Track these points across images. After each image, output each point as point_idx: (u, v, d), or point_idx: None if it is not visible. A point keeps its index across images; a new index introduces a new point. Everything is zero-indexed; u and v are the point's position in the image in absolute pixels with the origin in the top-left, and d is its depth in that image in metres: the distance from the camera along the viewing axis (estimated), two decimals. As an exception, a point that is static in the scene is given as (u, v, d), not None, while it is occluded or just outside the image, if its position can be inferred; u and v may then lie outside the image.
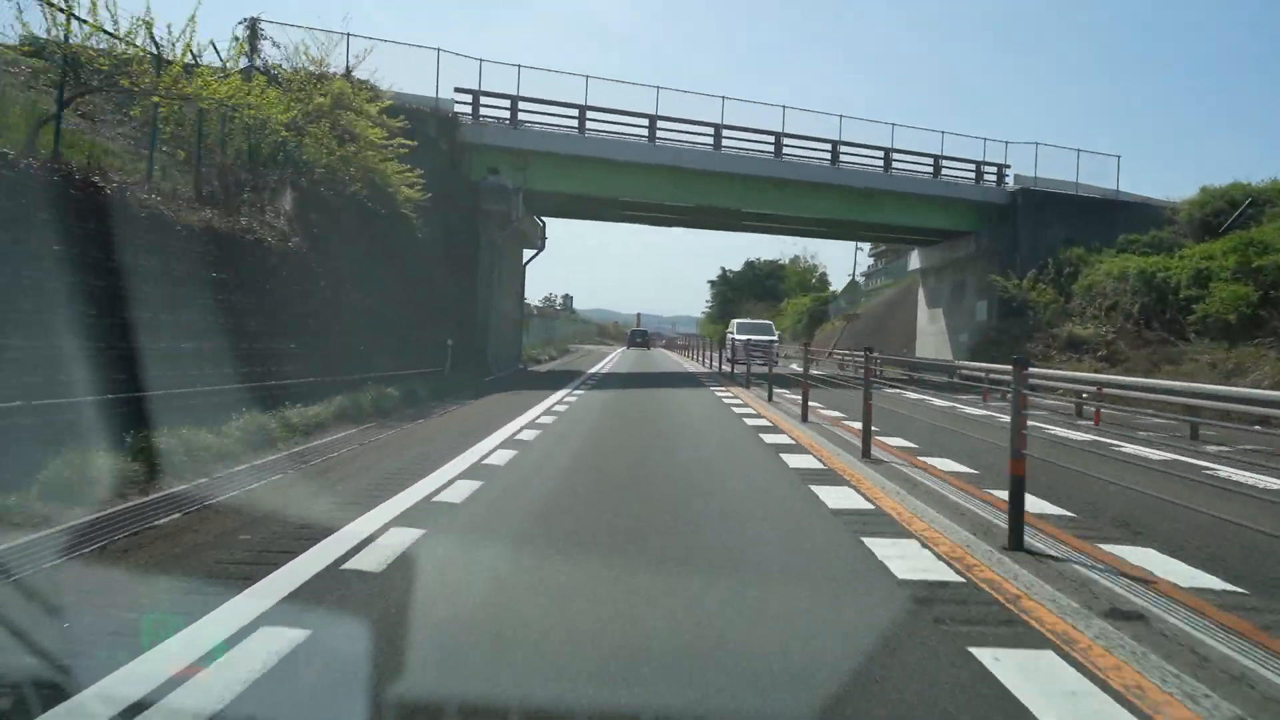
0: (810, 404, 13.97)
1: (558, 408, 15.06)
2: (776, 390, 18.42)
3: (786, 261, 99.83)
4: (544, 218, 29.00)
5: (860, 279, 73.32)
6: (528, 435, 10.70)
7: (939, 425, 13.08)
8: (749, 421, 13.55)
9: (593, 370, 28.76)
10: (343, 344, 14.22)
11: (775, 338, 35.47)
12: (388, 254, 17.08)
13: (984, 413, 16.25)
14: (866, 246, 72.26)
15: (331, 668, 3.31)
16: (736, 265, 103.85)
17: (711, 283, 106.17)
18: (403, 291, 17.74)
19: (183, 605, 3.86)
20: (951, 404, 18.29)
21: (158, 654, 3.28)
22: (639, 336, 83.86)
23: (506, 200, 23.07)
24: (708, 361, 36.74)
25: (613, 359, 41.96)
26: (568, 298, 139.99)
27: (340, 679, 3.21)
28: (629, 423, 13.85)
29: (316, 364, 12.81)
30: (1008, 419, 5.70)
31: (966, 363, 25.82)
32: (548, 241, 29.68)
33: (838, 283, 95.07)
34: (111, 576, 4.46)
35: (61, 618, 3.72)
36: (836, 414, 14.50)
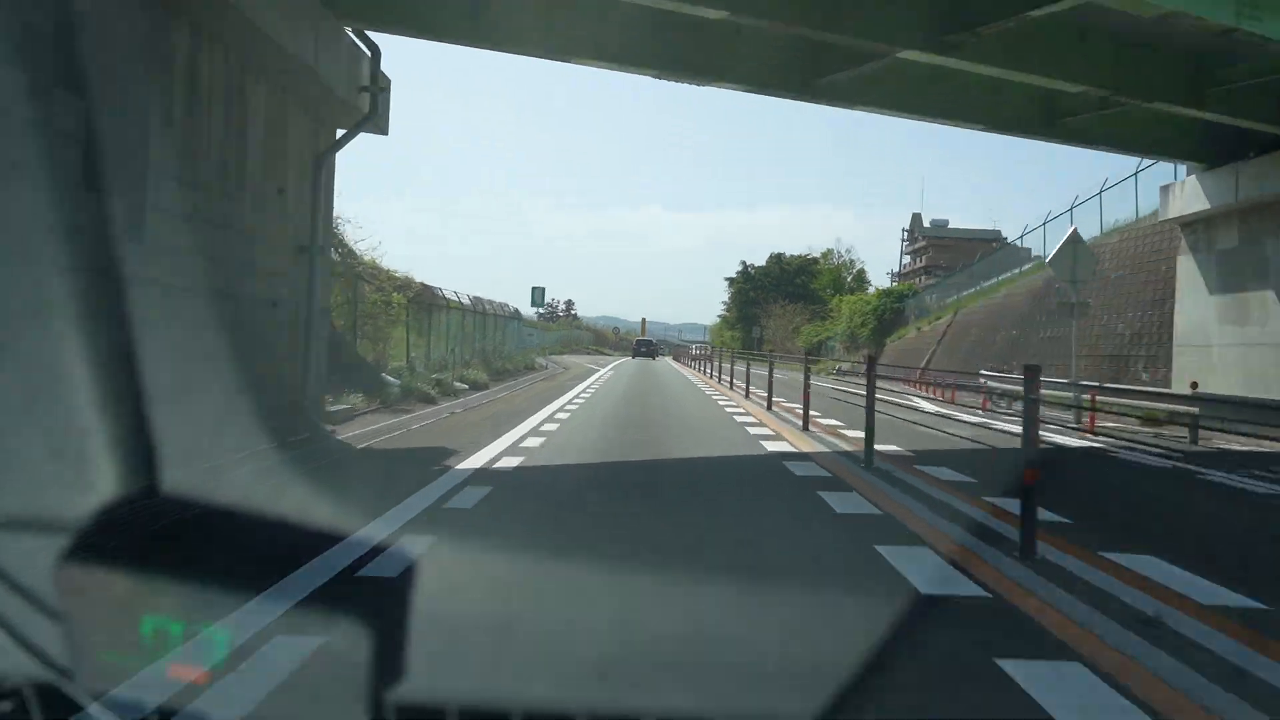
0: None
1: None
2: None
3: (819, 255, 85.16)
4: (374, 30, 11.40)
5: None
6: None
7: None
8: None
9: (513, 438, 11.31)
10: None
11: None
12: None
13: None
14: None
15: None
16: (757, 261, 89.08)
17: (730, 280, 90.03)
18: None
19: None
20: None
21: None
22: (644, 346, 75.40)
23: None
24: (740, 387, 23.12)
25: (593, 385, 24.65)
26: (569, 303, 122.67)
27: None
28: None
29: None
30: None
31: None
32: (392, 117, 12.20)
33: (878, 280, 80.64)
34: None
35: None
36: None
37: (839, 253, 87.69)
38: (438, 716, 2.30)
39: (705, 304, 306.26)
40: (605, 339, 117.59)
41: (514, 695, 3.13)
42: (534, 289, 37.49)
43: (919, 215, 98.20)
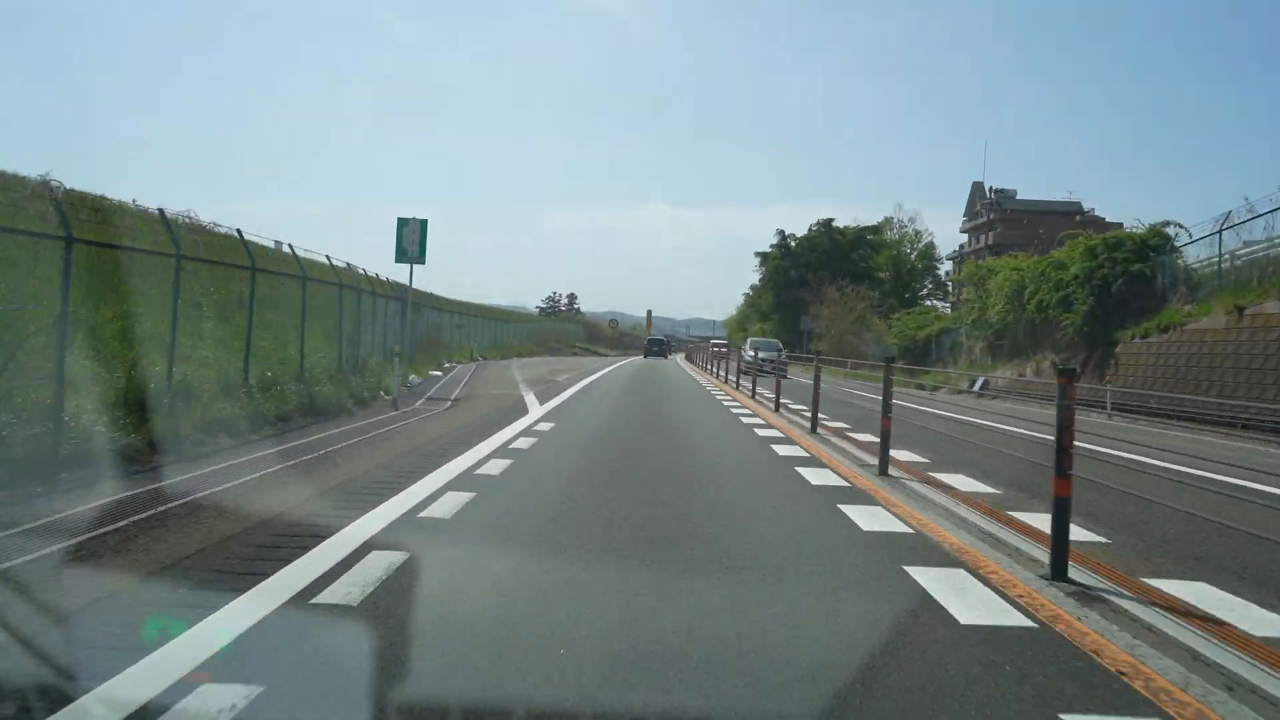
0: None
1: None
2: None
3: (878, 221, 69.19)
4: None
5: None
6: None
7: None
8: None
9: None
10: None
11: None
12: None
13: None
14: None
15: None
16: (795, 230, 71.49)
17: (762, 257, 69.90)
18: None
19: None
20: None
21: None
22: (656, 345, 65.36)
23: None
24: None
25: (546, 415, 12.80)
26: (572, 297, 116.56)
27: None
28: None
29: None
30: None
31: None
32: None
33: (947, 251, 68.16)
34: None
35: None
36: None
37: (899, 221, 71.11)
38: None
39: (712, 294, 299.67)
40: (600, 334, 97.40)
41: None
42: (399, 223, 18.30)
43: (980, 184, 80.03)
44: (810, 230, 67.87)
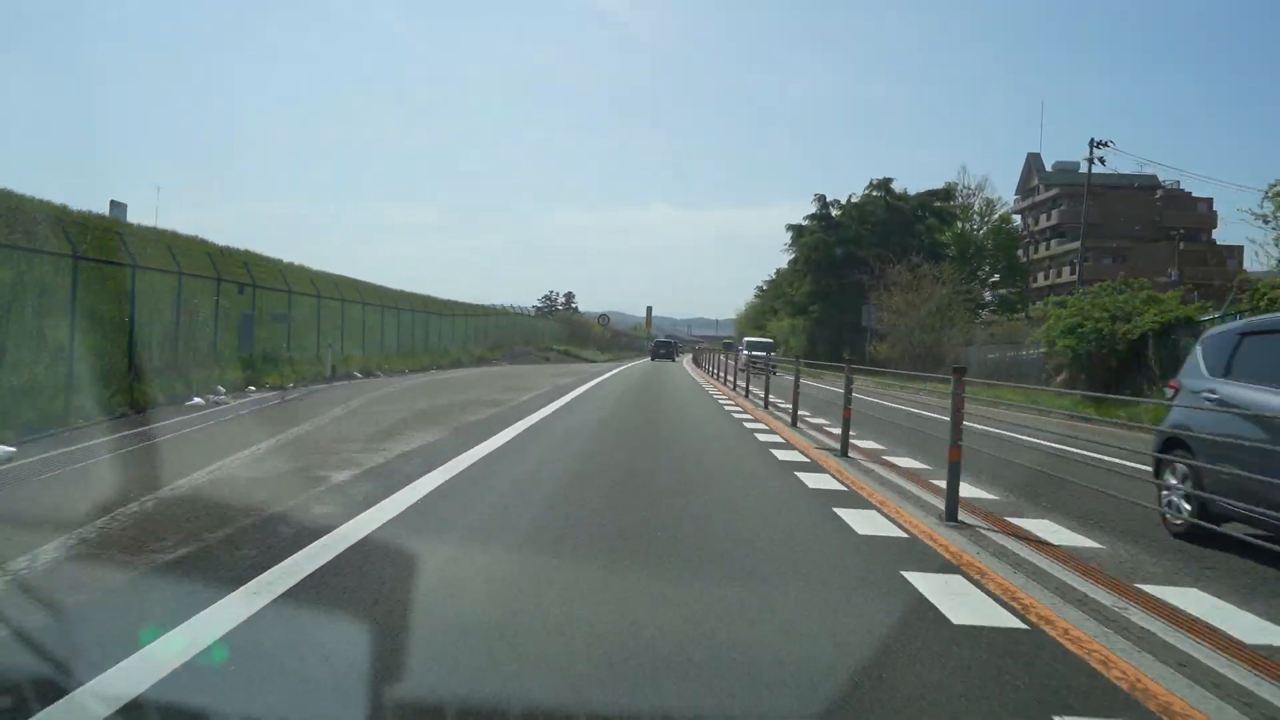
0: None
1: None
2: None
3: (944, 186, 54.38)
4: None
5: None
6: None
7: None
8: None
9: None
10: None
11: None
12: None
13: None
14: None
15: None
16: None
17: (796, 230, 54.43)
18: None
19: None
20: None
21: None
22: (663, 348, 61.68)
23: None
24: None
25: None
26: (570, 295, 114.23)
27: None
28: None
29: None
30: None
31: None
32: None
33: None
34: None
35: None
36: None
37: (965, 187, 57.61)
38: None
39: (715, 298, 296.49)
40: (587, 333, 78.13)
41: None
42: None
43: (1037, 156, 69.36)
44: (862, 197, 52.41)
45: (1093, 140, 43.47)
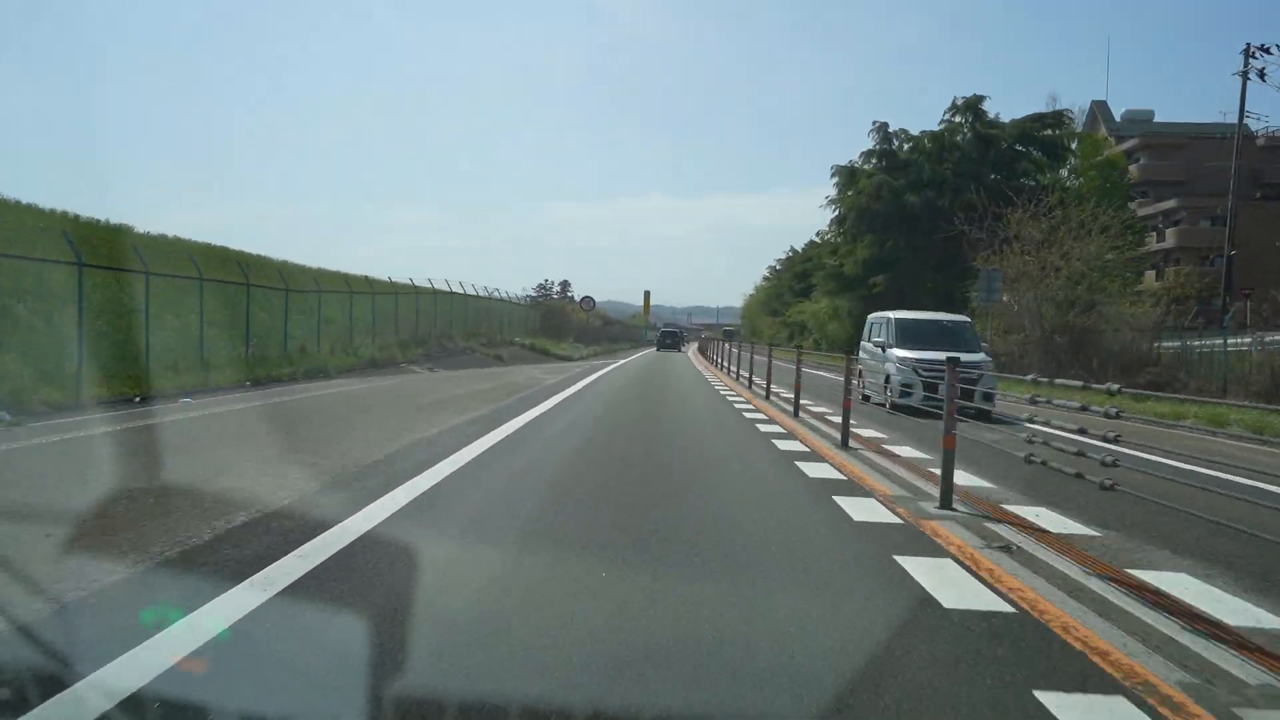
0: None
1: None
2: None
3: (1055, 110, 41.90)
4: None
5: None
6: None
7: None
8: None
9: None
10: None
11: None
12: None
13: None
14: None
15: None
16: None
17: (845, 174, 42.46)
18: None
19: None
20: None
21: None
22: (669, 338, 60.57)
23: None
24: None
25: None
26: (565, 284, 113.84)
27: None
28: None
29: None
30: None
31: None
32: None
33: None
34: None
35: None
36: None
37: (1066, 115, 43.21)
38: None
39: (714, 287, 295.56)
40: (565, 322, 62.31)
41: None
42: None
43: (1103, 103, 58.74)
44: (941, 124, 39.21)
45: (1248, 47, 31.11)
